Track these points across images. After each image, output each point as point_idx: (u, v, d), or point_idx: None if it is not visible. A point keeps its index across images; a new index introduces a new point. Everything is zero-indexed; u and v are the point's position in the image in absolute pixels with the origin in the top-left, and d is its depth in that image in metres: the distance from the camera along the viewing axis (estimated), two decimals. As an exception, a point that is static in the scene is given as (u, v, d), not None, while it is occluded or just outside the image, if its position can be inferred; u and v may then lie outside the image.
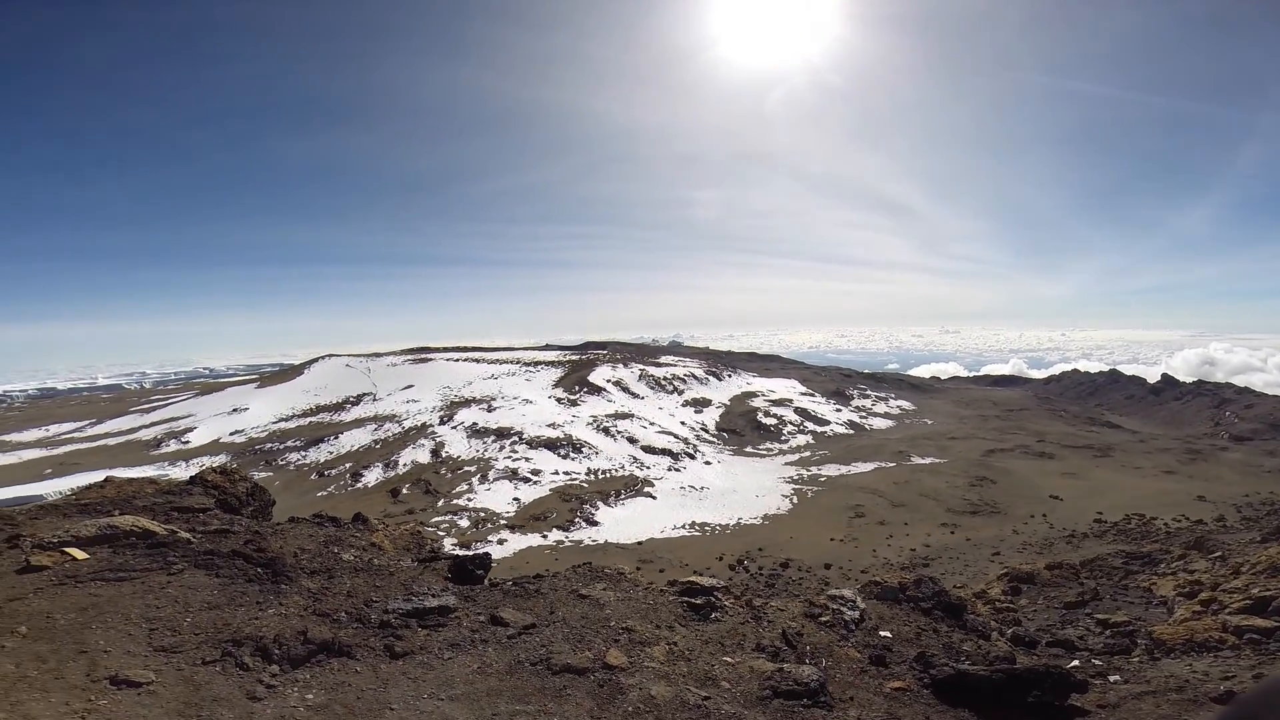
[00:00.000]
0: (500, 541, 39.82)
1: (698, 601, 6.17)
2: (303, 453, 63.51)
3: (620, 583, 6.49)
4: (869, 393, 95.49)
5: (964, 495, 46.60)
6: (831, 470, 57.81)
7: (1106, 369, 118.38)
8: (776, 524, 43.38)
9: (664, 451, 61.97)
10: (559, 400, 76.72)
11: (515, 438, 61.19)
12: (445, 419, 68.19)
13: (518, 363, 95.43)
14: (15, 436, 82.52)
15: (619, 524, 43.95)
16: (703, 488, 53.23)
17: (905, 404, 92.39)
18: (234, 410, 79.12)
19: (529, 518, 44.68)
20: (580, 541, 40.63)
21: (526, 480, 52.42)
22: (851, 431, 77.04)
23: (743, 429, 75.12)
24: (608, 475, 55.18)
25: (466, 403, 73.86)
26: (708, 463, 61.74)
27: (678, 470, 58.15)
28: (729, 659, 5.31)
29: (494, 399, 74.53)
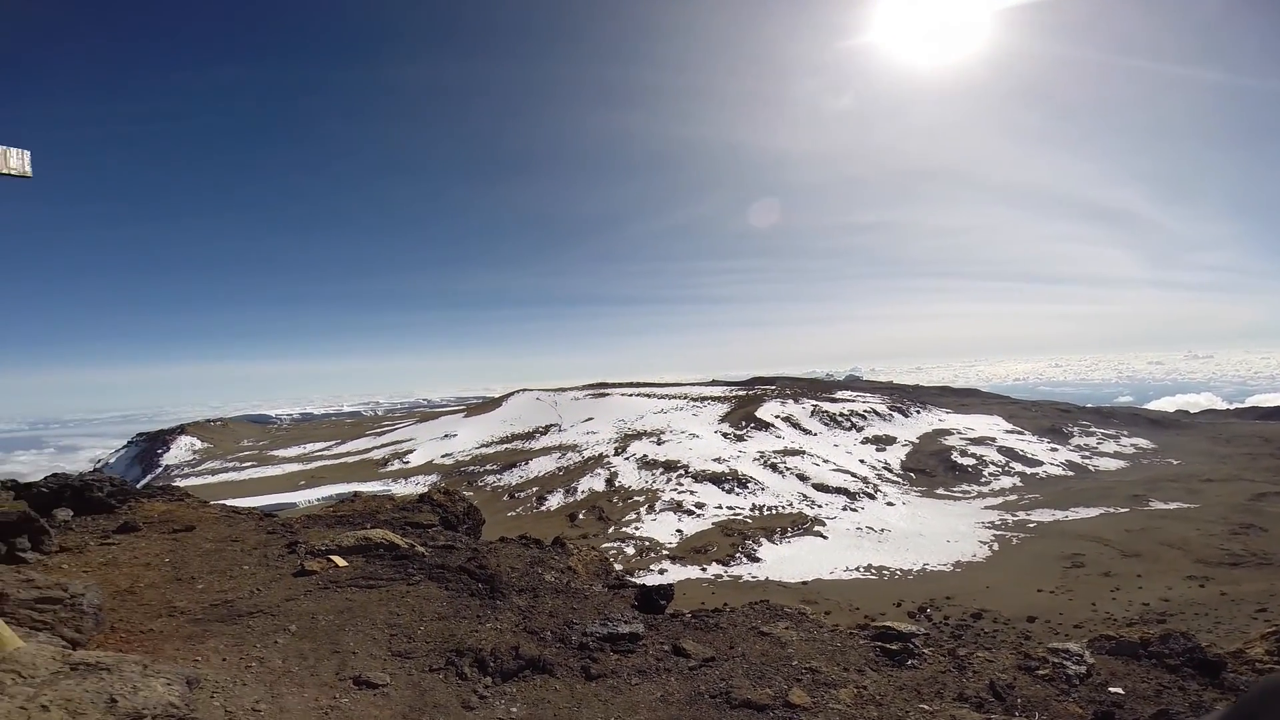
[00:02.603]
0: (661, 571, 40.28)
1: (893, 647, 5.78)
2: (498, 475, 70.25)
3: (803, 622, 6.33)
4: (1093, 430, 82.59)
5: (1221, 545, 38.97)
6: (1043, 515, 51.14)
7: None
8: (970, 572, 39.04)
9: (839, 490, 58.77)
10: (725, 435, 76.52)
11: (681, 471, 62.00)
12: (619, 450, 71.25)
13: (685, 398, 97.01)
14: (281, 452, 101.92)
15: (783, 562, 42.39)
16: (882, 529, 49.49)
17: (1142, 442, 78.39)
18: (445, 436, 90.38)
19: (690, 550, 44.76)
20: (739, 577, 39.71)
21: (690, 513, 52.71)
22: (1070, 473, 67.11)
23: (934, 469, 68.84)
24: (774, 512, 53.57)
25: (638, 435, 76.61)
26: (890, 504, 57.35)
27: (854, 510, 54.75)
28: (926, 706, 4.92)
29: (663, 433, 76.43)
